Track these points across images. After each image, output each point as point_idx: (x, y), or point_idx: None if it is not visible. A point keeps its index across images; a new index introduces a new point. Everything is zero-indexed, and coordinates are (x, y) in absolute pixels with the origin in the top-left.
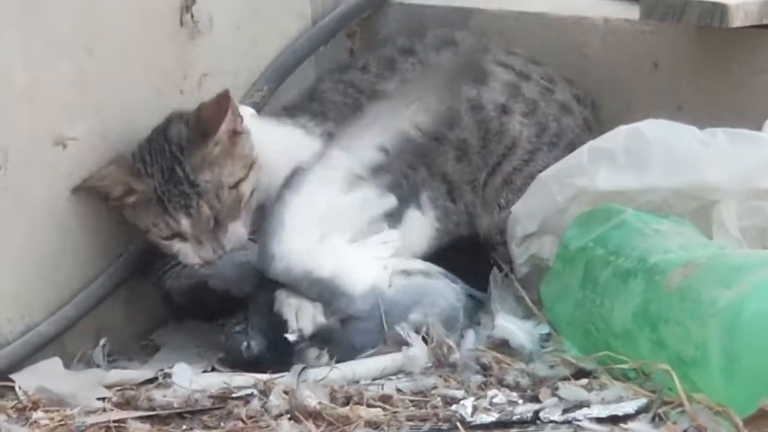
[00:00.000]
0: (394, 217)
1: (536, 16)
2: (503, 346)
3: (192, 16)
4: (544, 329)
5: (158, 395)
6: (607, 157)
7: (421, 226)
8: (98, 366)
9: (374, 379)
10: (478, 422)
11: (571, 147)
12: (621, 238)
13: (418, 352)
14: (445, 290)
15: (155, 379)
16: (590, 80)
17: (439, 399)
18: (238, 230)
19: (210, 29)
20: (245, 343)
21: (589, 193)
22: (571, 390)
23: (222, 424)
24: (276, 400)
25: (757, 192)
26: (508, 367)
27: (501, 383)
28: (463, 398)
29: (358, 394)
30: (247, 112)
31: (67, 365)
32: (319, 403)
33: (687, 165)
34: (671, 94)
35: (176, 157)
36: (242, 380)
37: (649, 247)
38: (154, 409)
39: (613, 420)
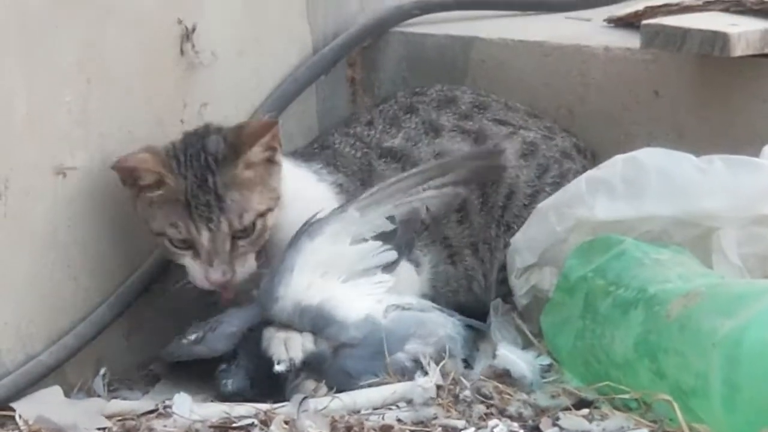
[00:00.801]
0: (388, 268)
1: (537, 44)
2: (504, 376)
3: (192, 45)
4: (545, 360)
5: (159, 425)
6: (605, 187)
7: (413, 278)
8: (99, 395)
9: (375, 409)
10: None
11: None
12: (621, 268)
13: (421, 382)
14: (442, 321)
15: (156, 409)
16: (591, 109)
17: (440, 429)
18: (251, 260)
19: (210, 58)
20: (224, 381)
21: (589, 223)
22: (573, 420)
23: None
24: (277, 430)
25: (756, 218)
26: (510, 397)
27: (502, 413)
28: (464, 428)
29: (358, 423)
30: None
31: (67, 394)
32: None
33: (685, 192)
34: (672, 122)
35: (210, 167)
36: (243, 410)
37: (649, 277)
38: None
39: None
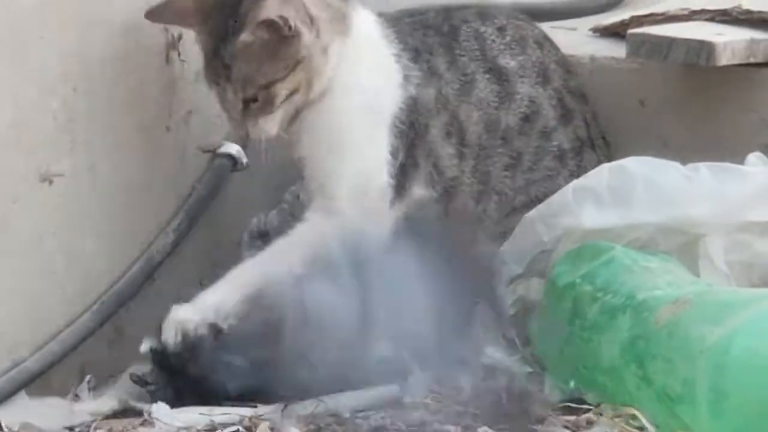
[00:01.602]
0: None
1: None
2: None
3: (178, 53)
4: (530, 368)
5: None
6: (592, 196)
7: None
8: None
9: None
10: None
11: None
12: (609, 275)
13: (413, 384)
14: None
15: (141, 414)
16: None
17: None
18: (267, 125)
19: (196, 66)
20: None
21: (576, 232)
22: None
23: None
24: None
25: (742, 225)
26: None
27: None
28: None
29: (343, 427)
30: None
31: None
32: None
33: (671, 200)
34: (657, 132)
35: (228, 34)
36: (227, 416)
37: (638, 283)
38: None
39: None
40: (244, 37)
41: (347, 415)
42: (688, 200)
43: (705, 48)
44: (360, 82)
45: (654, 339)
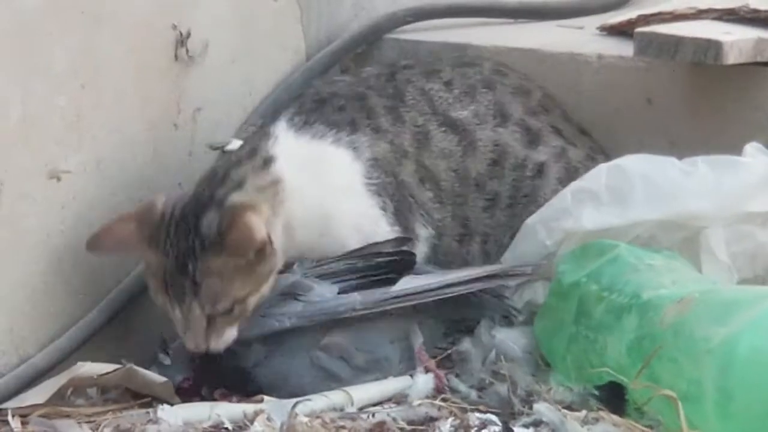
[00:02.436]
0: None
1: (530, 52)
2: None
3: (187, 50)
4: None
5: (152, 430)
6: (591, 197)
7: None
8: (91, 398)
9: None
10: None
11: None
12: (614, 274)
13: (419, 380)
14: None
15: (148, 414)
16: (583, 116)
17: (433, 428)
18: (232, 333)
19: (204, 64)
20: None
21: (577, 235)
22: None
23: None
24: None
25: (743, 217)
26: None
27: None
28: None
29: (350, 422)
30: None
31: (61, 398)
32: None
33: (670, 196)
34: (665, 130)
35: (195, 252)
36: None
37: (643, 282)
38: None
39: None
40: (223, 258)
41: (352, 409)
42: (687, 194)
43: (712, 47)
44: (312, 193)
45: (659, 339)
